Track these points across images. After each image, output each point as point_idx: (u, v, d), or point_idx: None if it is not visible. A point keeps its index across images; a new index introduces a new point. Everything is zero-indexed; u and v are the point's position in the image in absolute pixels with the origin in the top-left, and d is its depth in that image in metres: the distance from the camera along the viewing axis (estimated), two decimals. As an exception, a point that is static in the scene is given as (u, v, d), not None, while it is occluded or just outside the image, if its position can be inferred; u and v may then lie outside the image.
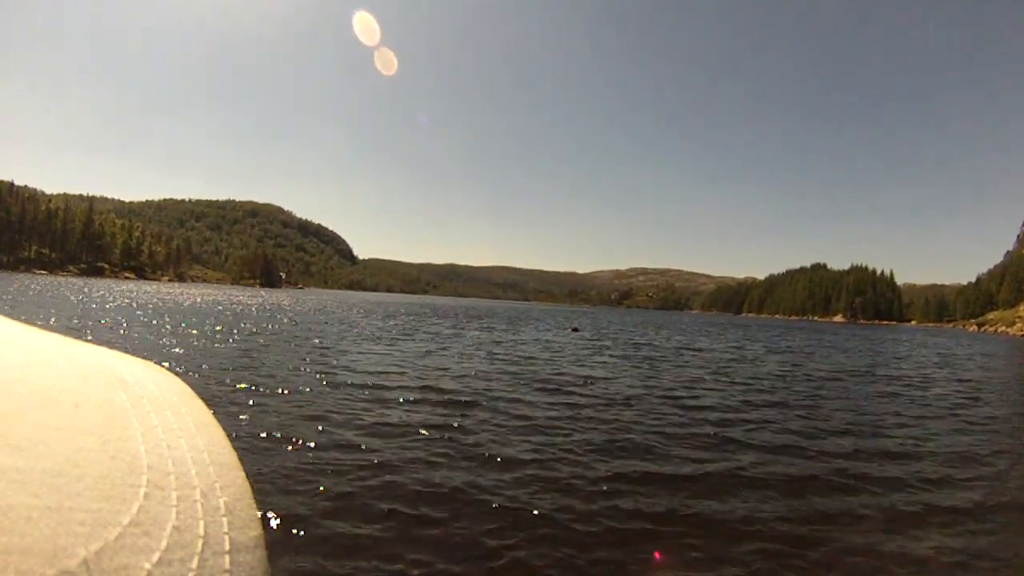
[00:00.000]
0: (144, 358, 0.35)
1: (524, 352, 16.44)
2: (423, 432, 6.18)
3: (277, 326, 21.49)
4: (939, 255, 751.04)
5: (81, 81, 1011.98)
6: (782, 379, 13.36)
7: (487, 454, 5.48)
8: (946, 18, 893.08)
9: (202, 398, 0.36)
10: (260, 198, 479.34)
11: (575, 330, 31.85)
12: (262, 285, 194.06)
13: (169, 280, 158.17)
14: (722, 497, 4.75)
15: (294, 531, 3.63)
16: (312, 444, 5.45)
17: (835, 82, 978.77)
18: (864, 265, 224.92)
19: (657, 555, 3.66)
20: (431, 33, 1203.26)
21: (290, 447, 5.36)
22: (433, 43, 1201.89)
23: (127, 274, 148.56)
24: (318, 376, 9.60)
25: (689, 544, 3.83)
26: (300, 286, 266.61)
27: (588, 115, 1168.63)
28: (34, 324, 0.34)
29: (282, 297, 75.75)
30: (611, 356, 16.96)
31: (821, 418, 8.48)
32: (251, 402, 7.28)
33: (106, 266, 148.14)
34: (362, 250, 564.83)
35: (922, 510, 4.72)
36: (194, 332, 16.49)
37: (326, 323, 25.22)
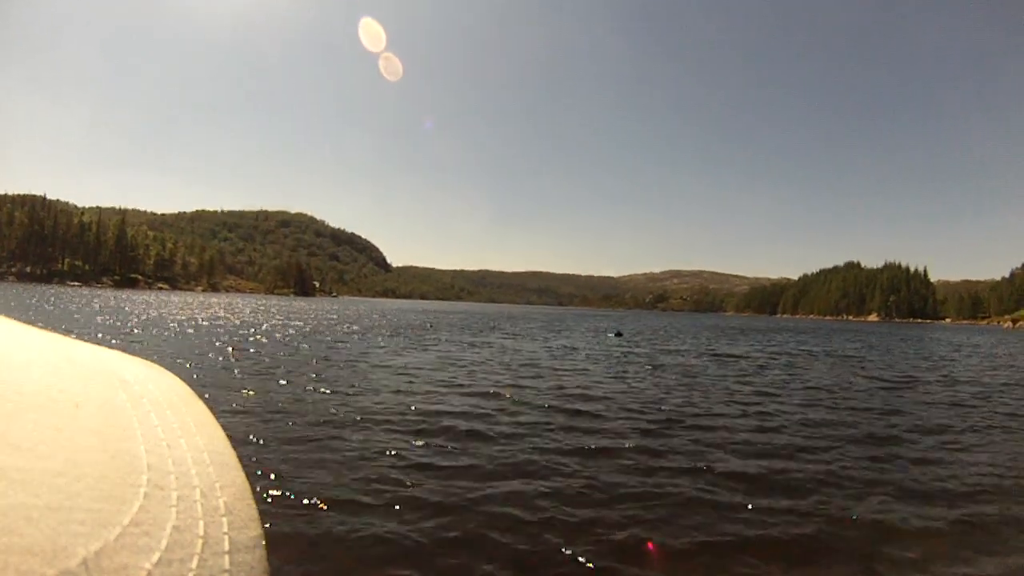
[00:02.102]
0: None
1: (572, 366, 14.01)
2: (440, 439, 6.01)
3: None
4: (973, 250, 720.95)
5: (112, 95, 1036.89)
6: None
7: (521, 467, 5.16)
8: (980, 18, 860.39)
9: (202, 398, 0.36)
10: (292, 208, 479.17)
11: (618, 335, 30.41)
12: (296, 294, 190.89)
13: (203, 290, 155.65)
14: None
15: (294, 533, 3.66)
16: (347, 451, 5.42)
17: (868, 80, 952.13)
18: (898, 263, 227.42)
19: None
20: (448, 36, 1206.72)
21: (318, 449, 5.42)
22: (453, 46, 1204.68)
23: (161, 285, 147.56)
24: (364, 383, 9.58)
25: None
26: (334, 294, 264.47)
27: (617, 117, 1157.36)
28: (34, 324, 0.33)
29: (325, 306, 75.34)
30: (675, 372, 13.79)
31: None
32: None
33: (140, 277, 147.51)
34: (396, 258, 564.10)
35: None
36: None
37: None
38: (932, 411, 9.34)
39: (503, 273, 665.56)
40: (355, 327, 28.00)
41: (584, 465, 5.30)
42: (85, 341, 0.35)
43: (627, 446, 6.04)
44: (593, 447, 5.92)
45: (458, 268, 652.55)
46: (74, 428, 0.25)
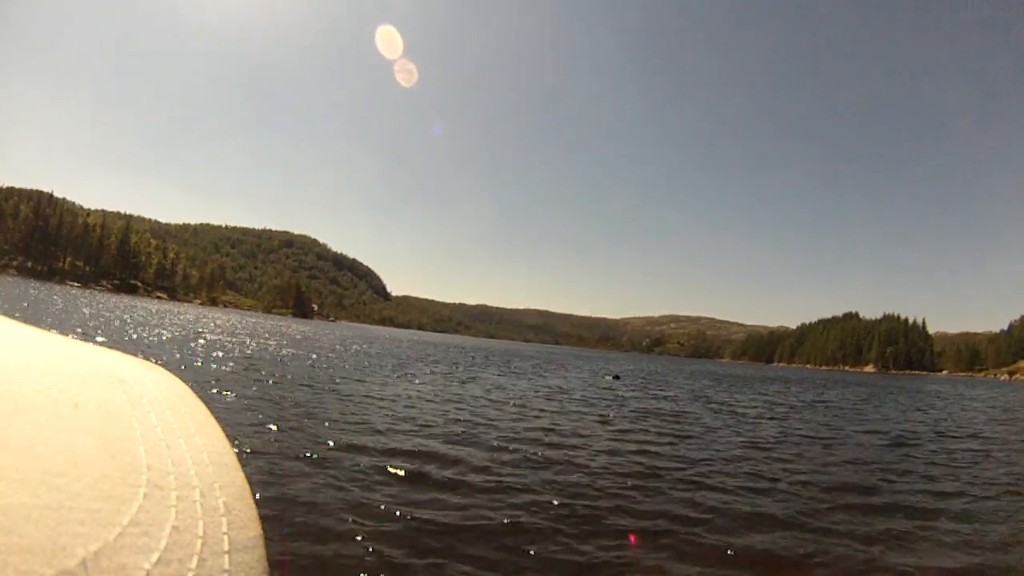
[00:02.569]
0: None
1: (562, 408, 13.62)
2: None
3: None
4: (972, 303, 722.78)
5: (127, 102, 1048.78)
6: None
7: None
8: (979, 67, 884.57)
9: (201, 398, 0.36)
10: (296, 229, 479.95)
11: (616, 378, 29.65)
12: (294, 315, 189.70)
13: (201, 303, 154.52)
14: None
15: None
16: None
17: (868, 128, 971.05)
18: (896, 315, 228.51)
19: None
20: (453, 66, 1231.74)
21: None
22: (462, 79, 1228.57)
23: (160, 294, 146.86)
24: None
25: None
26: (332, 319, 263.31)
27: (624, 158, 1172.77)
28: (34, 324, 0.33)
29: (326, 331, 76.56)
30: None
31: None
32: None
33: (139, 284, 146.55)
34: (395, 287, 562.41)
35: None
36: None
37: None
38: (934, 470, 9.09)
39: (501, 309, 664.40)
40: (347, 353, 27.40)
41: (564, 526, 4.88)
42: (84, 341, 0.35)
43: (612, 505, 5.57)
44: (581, 504, 5.50)
45: (457, 301, 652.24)
46: (73, 428, 0.25)
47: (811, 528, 5.40)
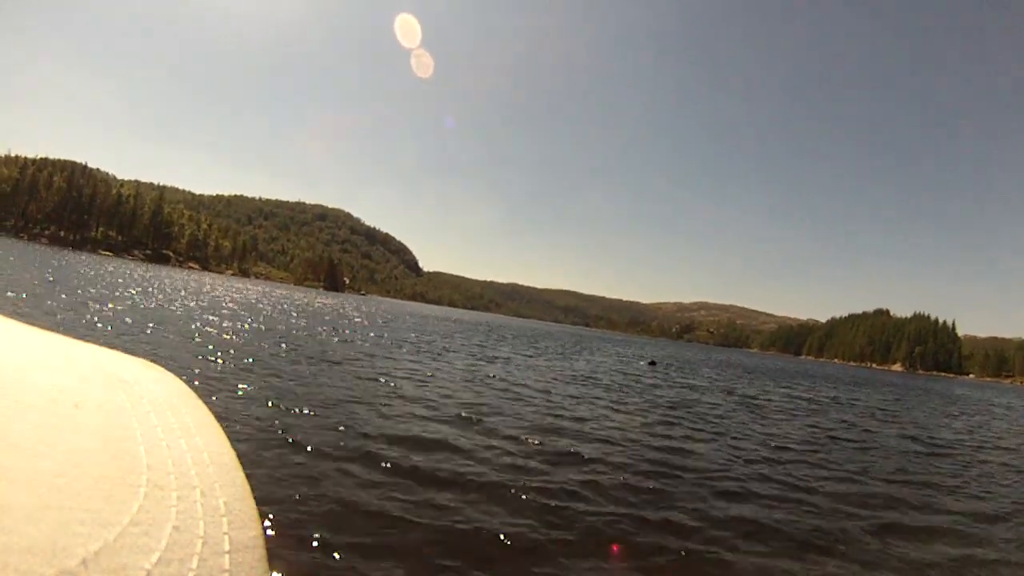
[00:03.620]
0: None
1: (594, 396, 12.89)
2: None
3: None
4: (1002, 307, 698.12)
5: (162, 75, 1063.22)
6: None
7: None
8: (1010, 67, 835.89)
9: (202, 398, 0.36)
10: (330, 203, 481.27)
11: (651, 363, 29.88)
12: (326, 288, 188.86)
13: (233, 274, 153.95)
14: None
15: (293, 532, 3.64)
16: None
17: (907, 125, 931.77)
18: (927, 315, 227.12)
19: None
20: (485, 41, 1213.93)
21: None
22: (487, 51, 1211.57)
23: (191, 264, 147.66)
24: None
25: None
26: (363, 293, 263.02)
27: (658, 146, 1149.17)
28: (35, 324, 0.34)
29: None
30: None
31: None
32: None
33: (171, 254, 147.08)
34: (428, 263, 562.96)
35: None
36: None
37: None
38: (973, 485, 8.36)
39: (532, 288, 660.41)
40: (371, 328, 26.66)
41: (558, 532, 4.43)
42: (85, 341, 0.35)
43: (614, 512, 4.98)
44: (578, 510, 4.91)
45: (488, 279, 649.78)
46: (74, 428, 0.25)
47: (833, 551, 4.75)
